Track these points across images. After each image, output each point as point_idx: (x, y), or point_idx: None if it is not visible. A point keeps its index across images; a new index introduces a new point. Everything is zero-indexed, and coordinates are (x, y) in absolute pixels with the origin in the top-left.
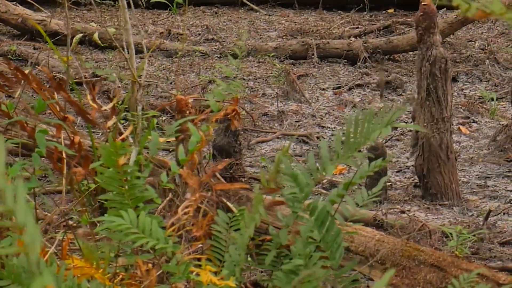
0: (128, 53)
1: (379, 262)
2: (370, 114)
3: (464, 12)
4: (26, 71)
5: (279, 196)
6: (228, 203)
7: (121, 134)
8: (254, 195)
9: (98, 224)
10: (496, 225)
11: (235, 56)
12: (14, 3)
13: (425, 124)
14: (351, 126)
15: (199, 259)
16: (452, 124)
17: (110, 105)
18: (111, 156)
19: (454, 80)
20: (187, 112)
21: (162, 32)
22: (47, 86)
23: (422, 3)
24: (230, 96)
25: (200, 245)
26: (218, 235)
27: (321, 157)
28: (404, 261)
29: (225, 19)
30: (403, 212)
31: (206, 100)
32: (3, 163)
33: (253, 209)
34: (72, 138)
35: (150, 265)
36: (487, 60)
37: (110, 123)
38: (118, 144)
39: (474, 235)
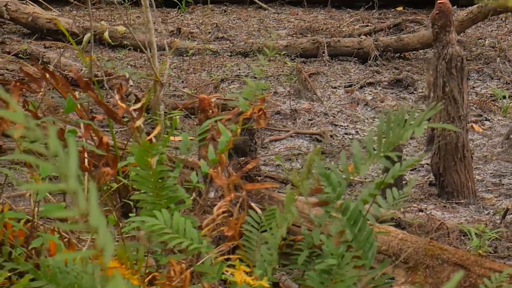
0: (151, 52)
1: (403, 261)
2: (402, 114)
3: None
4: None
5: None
6: (251, 203)
7: (148, 134)
8: (286, 194)
9: (126, 224)
10: None
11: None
12: (25, 1)
13: (441, 123)
14: (383, 126)
15: (230, 259)
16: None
17: (139, 104)
18: (143, 156)
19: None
20: (210, 111)
21: (173, 31)
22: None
23: (438, 1)
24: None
25: (231, 245)
26: (249, 235)
27: (354, 156)
28: (427, 260)
29: (234, 17)
30: (420, 210)
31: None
32: (75, 165)
33: (285, 209)
34: (100, 138)
35: (183, 265)
36: (498, 58)
37: (138, 122)
38: (151, 144)
39: (495, 233)
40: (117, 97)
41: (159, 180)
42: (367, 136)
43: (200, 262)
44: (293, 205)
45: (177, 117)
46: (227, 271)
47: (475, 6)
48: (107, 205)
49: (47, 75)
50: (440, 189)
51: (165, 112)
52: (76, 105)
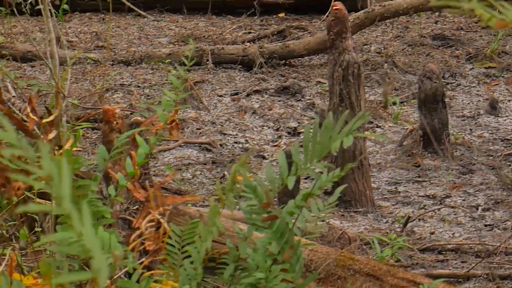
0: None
1: (313, 272)
2: (329, 124)
3: (486, 22)
4: None
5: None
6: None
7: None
8: (210, 207)
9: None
10: (414, 231)
11: (146, 62)
12: None
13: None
14: (308, 136)
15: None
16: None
17: (52, 116)
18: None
19: None
20: (114, 122)
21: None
22: None
23: (334, 8)
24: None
25: (156, 260)
26: (171, 249)
27: (279, 167)
28: (339, 270)
29: (113, 25)
30: (323, 220)
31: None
32: (69, 187)
33: (209, 222)
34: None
35: (108, 281)
36: (386, 64)
37: (51, 135)
38: (73, 158)
39: (403, 242)
40: (28, 109)
41: (82, 195)
42: (292, 146)
43: (117, 276)
44: (218, 218)
45: (80, 129)
46: (154, 286)
47: (361, 11)
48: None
49: None
50: (337, 197)
51: (72, 124)
52: None
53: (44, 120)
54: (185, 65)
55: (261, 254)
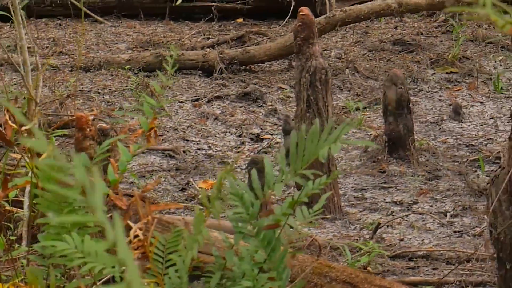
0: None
1: (290, 280)
2: (315, 130)
3: (501, 28)
4: None
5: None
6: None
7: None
8: (196, 214)
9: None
10: (383, 238)
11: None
12: None
13: (305, 137)
14: (295, 143)
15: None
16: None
17: (31, 124)
18: (49, 178)
19: None
20: (88, 129)
21: (9, 46)
22: None
23: (300, 13)
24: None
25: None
26: (156, 257)
27: (265, 175)
28: (315, 278)
29: (70, 31)
30: (290, 227)
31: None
32: (101, 197)
33: (195, 230)
34: None
35: None
36: (347, 70)
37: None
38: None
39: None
40: (6, 116)
41: (65, 203)
42: (278, 153)
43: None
44: (203, 226)
45: (53, 136)
46: None
47: (322, 17)
48: None
49: None
50: (305, 204)
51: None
52: None
53: (23, 128)
54: (144, 70)
55: (247, 262)
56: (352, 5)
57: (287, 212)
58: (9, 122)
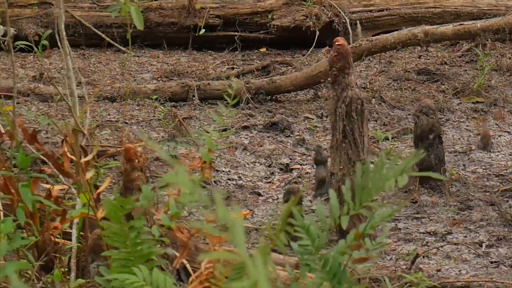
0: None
1: None
2: (381, 162)
3: None
4: None
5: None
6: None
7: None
8: (261, 246)
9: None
10: (421, 268)
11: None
12: None
13: (341, 167)
14: (361, 175)
15: None
16: None
17: (90, 156)
18: (116, 211)
19: None
20: (136, 161)
21: (35, 76)
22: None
23: (336, 43)
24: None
25: None
26: None
27: (331, 207)
28: None
29: (94, 61)
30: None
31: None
32: (243, 234)
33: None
34: (49, 190)
35: None
36: (373, 99)
37: (89, 175)
38: (125, 199)
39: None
40: (64, 148)
41: (133, 236)
42: (344, 186)
43: None
44: (269, 258)
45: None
46: None
47: (348, 46)
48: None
49: None
50: (339, 234)
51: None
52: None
53: (83, 160)
54: (170, 100)
55: None
56: (376, 34)
57: (352, 245)
58: (68, 154)
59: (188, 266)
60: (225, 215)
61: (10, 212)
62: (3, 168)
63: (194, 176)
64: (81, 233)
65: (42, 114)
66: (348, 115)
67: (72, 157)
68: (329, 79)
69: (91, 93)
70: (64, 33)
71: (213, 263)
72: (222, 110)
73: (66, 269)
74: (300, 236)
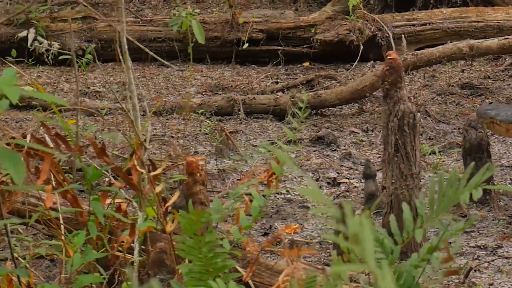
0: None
1: None
2: (455, 176)
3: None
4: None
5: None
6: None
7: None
8: (334, 260)
9: None
10: (474, 283)
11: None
12: None
13: (393, 181)
14: (435, 189)
15: None
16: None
17: (159, 170)
18: (191, 224)
19: None
20: (198, 174)
21: (80, 90)
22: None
23: (388, 57)
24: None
25: None
26: None
27: (404, 220)
28: None
29: (138, 75)
30: None
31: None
32: (373, 247)
33: (333, 276)
34: (119, 204)
35: None
36: (419, 113)
37: (158, 188)
38: (200, 212)
39: None
40: (134, 162)
41: (209, 249)
42: (417, 200)
43: None
44: (343, 271)
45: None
46: None
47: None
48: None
49: (60, 142)
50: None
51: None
52: (101, 172)
53: (152, 173)
54: (216, 115)
55: None
56: (418, 48)
57: (425, 258)
58: (137, 167)
59: (250, 281)
60: (355, 226)
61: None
62: (71, 182)
63: (270, 190)
64: (142, 246)
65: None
66: (400, 129)
67: (142, 170)
68: (374, 93)
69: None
70: (126, 47)
71: (289, 277)
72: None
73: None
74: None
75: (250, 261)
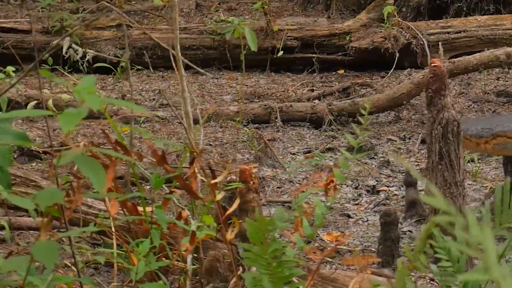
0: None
1: None
2: None
3: None
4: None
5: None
6: None
7: (225, 210)
8: (398, 268)
9: None
10: None
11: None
12: None
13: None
14: (500, 196)
15: None
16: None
17: (221, 177)
18: (258, 232)
19: (423, 142)
20: (251, 182)
21: (117, 98)
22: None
23: (432, 65)
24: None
25: None
26: None
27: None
28: None
29: (173, 83)
30: (432, 280)
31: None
32: (495, 253)
33: (399, 284)
34: (180, 212)
35: None
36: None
37: (219, 196)
38: (267, 220)
39: None
40: (195, 169)
41: (274, 258)
42: (483, 207)
43: None
44: (408, 280)
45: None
46: None
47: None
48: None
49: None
50: (436, 258)
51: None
52: (164, 180)
53: (213, 181)
54: (253, 122)
55: None
56: (453, 56)
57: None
58: (197, 175)
59: None
60: (478, 234)
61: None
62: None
63: (331, 198)
64: (195, 254)
65: (126, 136)
66: (444, 137)
67: (203, 178)
68: (410, 101)
69: (174, 115)
70: (179, 54)
71: (358, 284)
72: (304, 132)
73: None
74: (440, 258)
75: (310, 270)
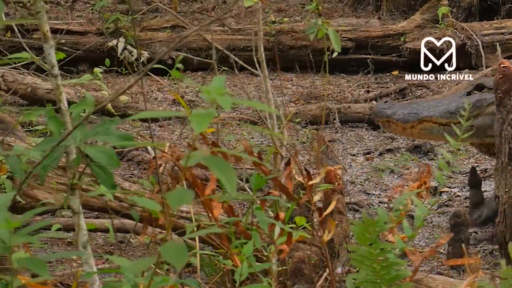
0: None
1: None
2: None
3: None
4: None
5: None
6: None
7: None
8: (503, 270)
9: None
10: None
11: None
12: (23, 72)
13: (507, 190)
14: None
15: None
16: None
17: (318, 178)
18: (364, 233)
19: None
20: (336, 183)
21: (174, 99)
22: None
23: (501, 65)
24: None
25: None
26: None
27: None
28: None
29: (228, 84)
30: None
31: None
32: None
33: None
34: (277, 213)
35: None
36: None
37: (316, 198)
38: (374, 221)
39: None
40: (290, 170)
41: (380, 258)
42: None
43: None
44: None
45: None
46: None
47: (489, 69)
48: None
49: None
50: (507, 259)
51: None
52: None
53: (311, 183)
54: (311, 124)
55: None
56: (507, 57)
57: None
58: (295, 176)
59: None
60: None
61: (215, 235)
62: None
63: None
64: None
65: (186, 138)
66: None
67: (300, 179)
68: None
69: (232, 116)
70: (263, 55)
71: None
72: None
73: None
74: None
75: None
